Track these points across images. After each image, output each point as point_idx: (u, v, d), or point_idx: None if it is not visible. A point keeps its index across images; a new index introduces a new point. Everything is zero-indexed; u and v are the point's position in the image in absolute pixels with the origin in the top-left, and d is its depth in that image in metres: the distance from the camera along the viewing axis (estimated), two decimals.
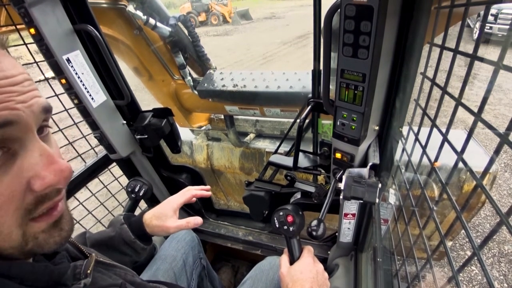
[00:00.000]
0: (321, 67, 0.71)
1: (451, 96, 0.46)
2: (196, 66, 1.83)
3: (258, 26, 13.70)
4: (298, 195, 0.97)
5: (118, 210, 1.32)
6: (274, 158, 0.98)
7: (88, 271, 0.44)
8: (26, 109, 0.31)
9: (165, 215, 0.78)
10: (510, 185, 2.48)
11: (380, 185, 0.64)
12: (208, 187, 0.90)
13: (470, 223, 2.01)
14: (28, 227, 0.33)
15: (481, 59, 0.37)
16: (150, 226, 0.77)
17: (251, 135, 2.06)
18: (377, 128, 0.70)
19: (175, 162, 1.30)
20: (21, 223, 0.32)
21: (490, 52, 4.89)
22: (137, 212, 1.00)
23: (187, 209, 1.45)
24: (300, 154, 0.92)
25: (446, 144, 0.47)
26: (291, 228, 0.73)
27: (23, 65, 0.36)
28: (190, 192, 0.85)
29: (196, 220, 0.78)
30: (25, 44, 0.84)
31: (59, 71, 0.79)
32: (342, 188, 0.65)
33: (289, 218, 0.73)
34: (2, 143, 0.30)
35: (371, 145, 0.72)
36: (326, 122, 1.41)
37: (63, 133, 1.00)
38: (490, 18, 5.66)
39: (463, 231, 0.50)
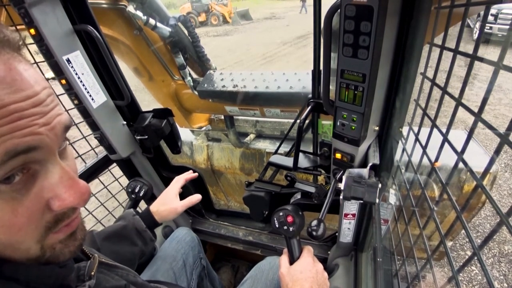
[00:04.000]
0: (321, 67, 0.70)
1: (451, 96, 0.46)
2: (196, 66, 1.83)
3: (258, 26, 13.70)
4: (298, 196, 0.97)
5: (118, 210, 1.32)
6: (274, 159, 0.98)
7: (92, 273, 0.44)
8: (49, 132, 0.31)
9: (169, 200, 0.89)
10: (510, 185, 2.48)
11: (380, 185, 0.64)
12: (195, 174, 1.03)
13: (470, 223, 2.01)
14: (47, 240, 0.33)
15: (481, 59, 0.37)
16: (158, 213, 0.86)
17: (251, 136, 2.06)
18: (377, 128, 0.70)
19: (175, 163, 1.30)
20: (40, 239, 0.32)
21: (490, 52, 4.89)
22: None
23: (187, 209, 1.44)
24: (300, 154, 0.92)
25: (446, 144, 0.47)
26: (291, 228, 0.72)
27: None
28: (182, 177, 0.98)
29: (198, 197, 0.92)
30: (25, 44, 0.84)
31: (59, 72, 0.79)
32: (342, 188, 0.65)
33: (289, 218, 0.73)
34: (24, 166, 0.29)
35: (371, 146, 0.72)
36: (326, 123, 1.41)
37: None
38: (490, 18, 5.65)
39: (463, 231, 0.50)
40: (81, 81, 0.83)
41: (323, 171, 0.94)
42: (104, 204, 1.27)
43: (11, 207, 0.29)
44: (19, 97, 0.28)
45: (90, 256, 0.50)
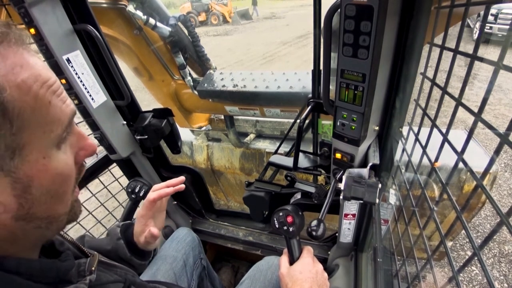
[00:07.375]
0: (321, 67, 0.70)
1: (451, 96, 0.46)
2: (196, 66, 1.83)
3: (258, 26, 13.70)
4: (298, 196, 0.97)
5: (118, 210, 1.32)
6: (274, 159, 0.98)
7: (93, 268, 0.45)
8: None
9: (141, 230, 0.74)
10: (510, 185, 2.48)
11: (380, 185, 0.64)
12: (180, 179, 0.82)
13: (470, 223, 2.01)
14: (73, 194, 0.41)
15: (481, 59, 0.37)
16: (140, 244, 0.75)
17: (251, 136, 2.06)
18: (377, 128, 0.70)
19: (175, 163, 1.30)
20: (72, 190, 0.40)
21: (490, 52, 4.90)
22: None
23: (187, 209, 1.45)
24: (300, 154, 0.92)
25: (446, 144, 0.47)
26: (290, 229, 0.73)
27: None
28: (149, 197, 0.76)
29: (170, 190, 0.77)
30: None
31: (59, 71, 0.79)
32: (342, 188, 0.65)
33: (289, 219, 0.73)
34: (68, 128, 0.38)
35: (371, 145, 0.72)
36: (326, 122, 1.41)
37: None
38: (490, 18, 5.66)
39: (463, 231, 0.50)
40: (81, 81, 0.83)
41: (323, 171, 0.93)
42: (104, 204, 1.27)
43: (70, 159, 0.38)
44: (55, 77, 0.37)
45: (89, 255, 0.51)
